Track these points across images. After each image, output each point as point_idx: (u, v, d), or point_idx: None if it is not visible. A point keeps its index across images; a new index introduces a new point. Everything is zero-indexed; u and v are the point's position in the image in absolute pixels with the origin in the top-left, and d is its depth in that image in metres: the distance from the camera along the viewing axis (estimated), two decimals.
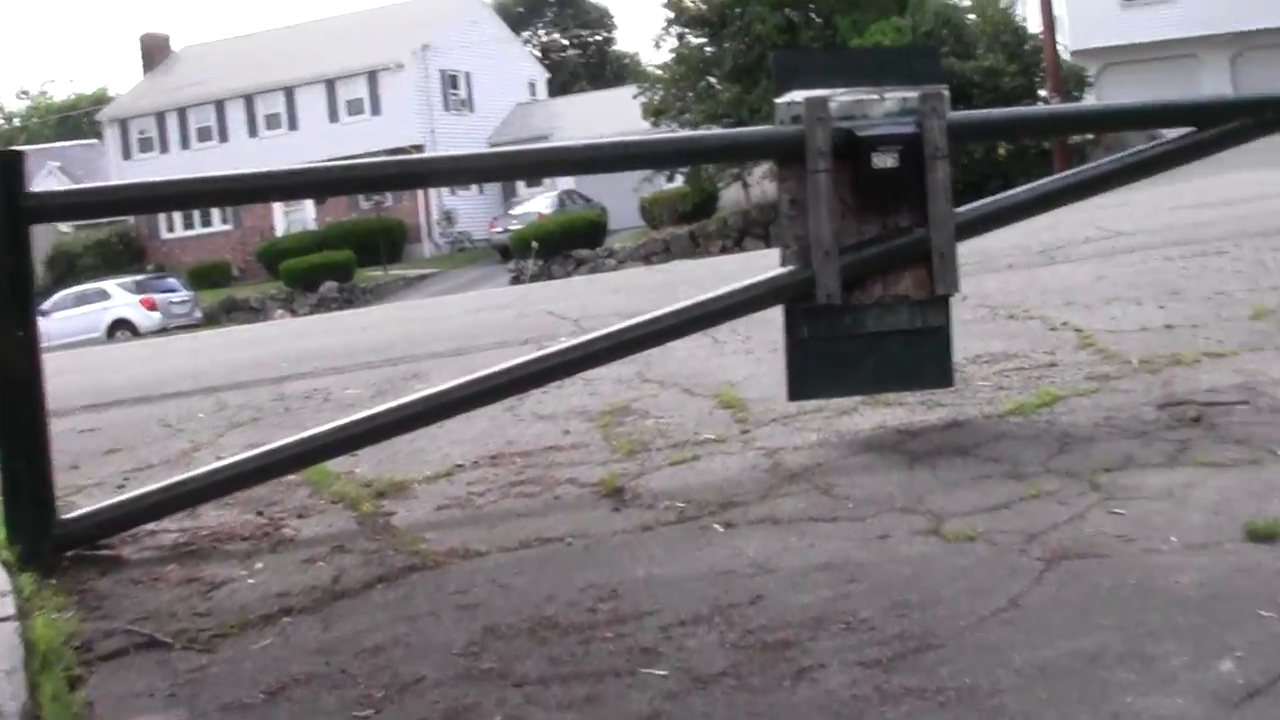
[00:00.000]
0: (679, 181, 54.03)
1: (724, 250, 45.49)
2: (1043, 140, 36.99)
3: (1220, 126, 8.23)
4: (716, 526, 6.66)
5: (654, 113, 52.05)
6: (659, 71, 53.89)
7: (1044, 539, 5.97)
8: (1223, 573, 5.41)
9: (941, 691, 4.67)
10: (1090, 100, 45.24)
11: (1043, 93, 43.40)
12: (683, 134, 10.04)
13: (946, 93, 7.76)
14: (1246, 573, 5.39)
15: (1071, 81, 44.49)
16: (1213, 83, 46.14)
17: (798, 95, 7.65)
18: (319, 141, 66.12)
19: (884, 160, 7.57)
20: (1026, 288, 11.75)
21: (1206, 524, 5.96)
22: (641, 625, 5.53)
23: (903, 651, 5.01)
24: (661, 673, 5.06)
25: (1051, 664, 4.79)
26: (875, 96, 7.71)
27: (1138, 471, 6.76)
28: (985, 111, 9.49)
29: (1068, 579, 5.53)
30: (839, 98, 7.65)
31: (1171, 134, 8.44)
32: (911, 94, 7.69)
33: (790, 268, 7.71)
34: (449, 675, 5.25)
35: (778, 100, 7.78)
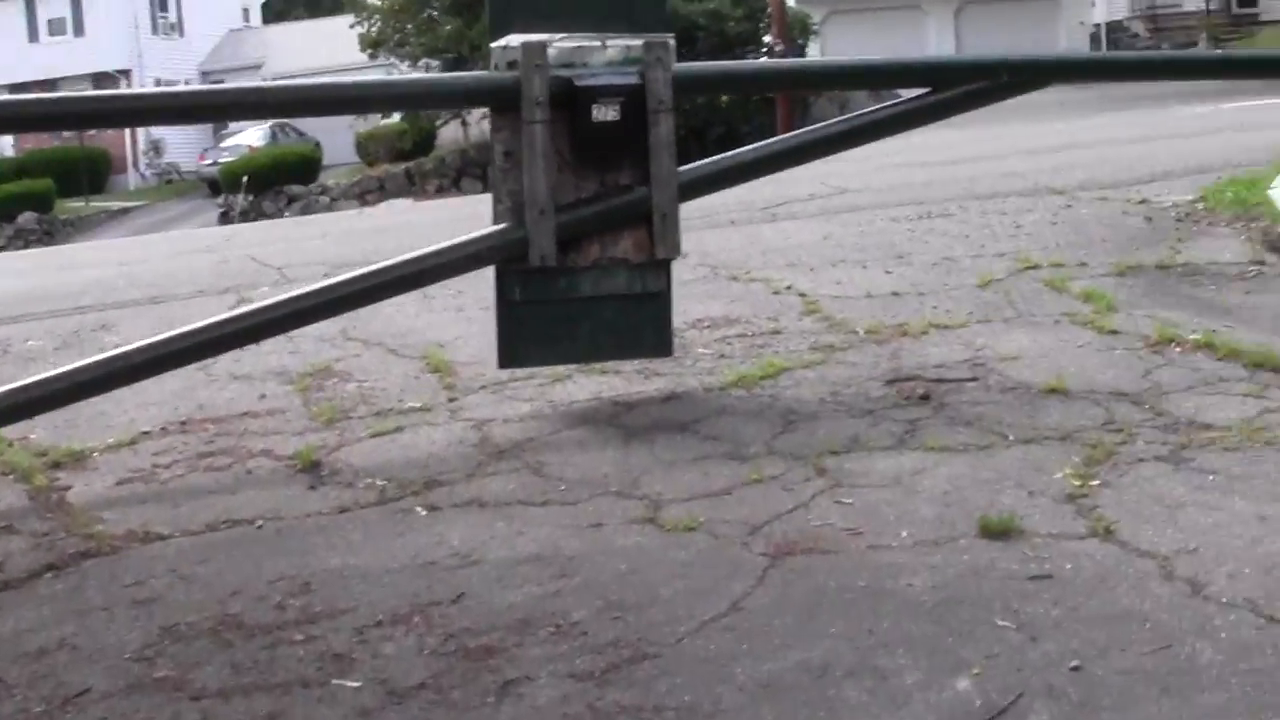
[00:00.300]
0: (398, 117, 53.01)
1: (440, 190, 44.81)
2: (768, 96, 36.92)
3: (956, 89, 7.95)
4: (419, 509, 6.17)
5: (372, 45, 50.90)
6: (378, 1, 52.75)
7: (768, 531, 5.61)
8: (956, 574, 5.10)
9: (659, 711, 4.30)
10: (815, 48, 45.51)
11: (767, 38, 43.37)
12: (388, 79, 9.57)
13: (672, 42, 7.32)
14: (981, 575, 5.08)
15: (796, 28, 44.60)
16: (938, 34, 46.75)
17: (514, 39, 7.15)
18: (17, 62, 63.35)
19: (605, 112, 7.12)
20: (749, 246, 11.41)
21: (938, 517, 5.65)
22: (335, 626, 5.04)
23: (617, 661, 4.60)
24: (355, 684, 4.60)
25: (777, 679, 4.43)
26: (597, 43, 7.24)
27: (865, 455, 6.44)
28: (714, 64, 9.14)
29: (793, 578, 5.16)
30: (558, 43, 7.17)
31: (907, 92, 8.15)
32: (635, 42, 7.24)
33: (502, 225, 7.22)
34: (119, 686, 4.71)
35: (493, 44, 7.28)
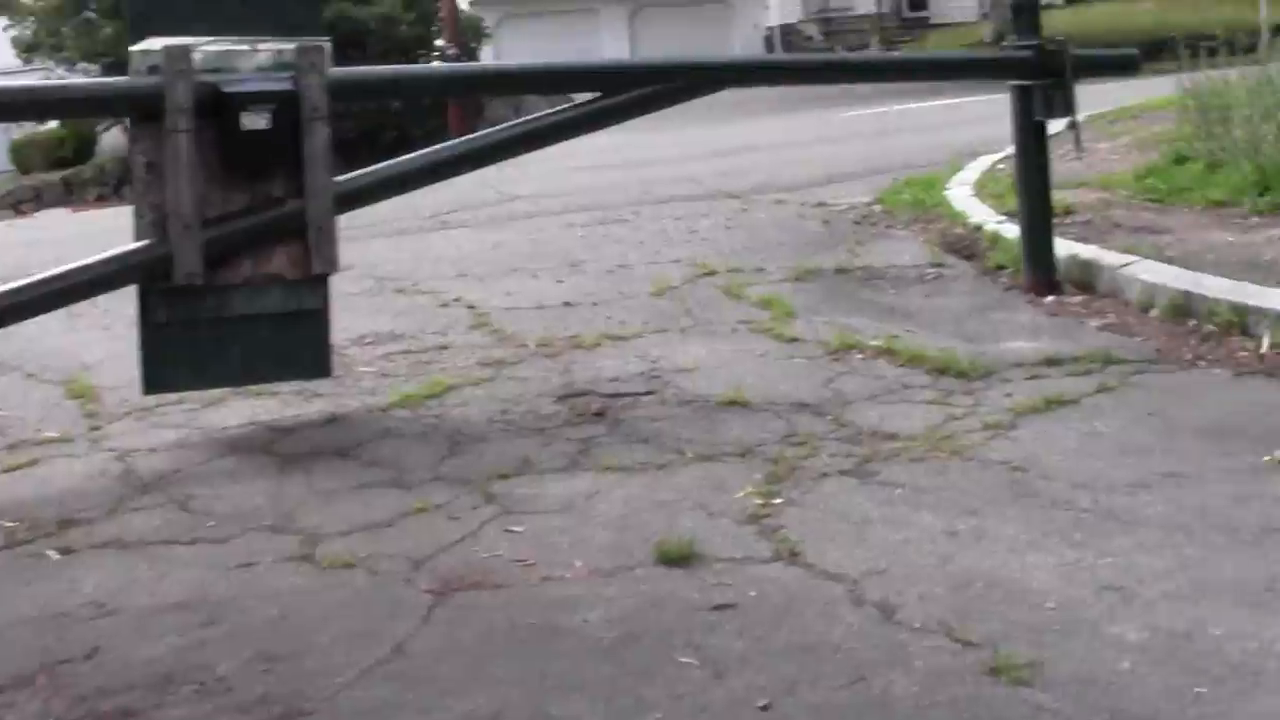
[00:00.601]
0: (56, 122, 51.11)
1: (100, 199, 43.30)
2: (439, 99, 36.45)
3: (630, 92, 7.65)
4: (51, 552, 5.61)
5: (27, 49, 49.07)
6: (31, 2, 50.77)
7: (433, 565, 5.21)
8: (635, 606, 4.76)
9: None
10: (488, 52, 45.17)
11: (440, 42, 42.87)
12: (11, 86, 8.85)
13: (328, 46, 6.89)
14: (660, 606, 4.75)
15: (469, 32, 44.18)
16: (612, 38, 46.74)
17: (156, 43, 6.65)
18: None
19: (255, 121, 6.66)
20: (418, 256, 11.03)
21: (614, 544, 5.31)
22: None
23: None
24: None
25: None
26: (246, 48, 6.78)
27: (536, 479, 6.07)
28: (373, 69, 8.66)
29: (460, 617, 4.78)
30: (204, 48, 6.69)
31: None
32: (288, 46, 6.81)
33: (145, 242, 6.70)
34: None
35: (133, 48, 6.76)
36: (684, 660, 4.35)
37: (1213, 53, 12.69)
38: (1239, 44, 12.85)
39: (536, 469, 6.18)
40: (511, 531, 5.48)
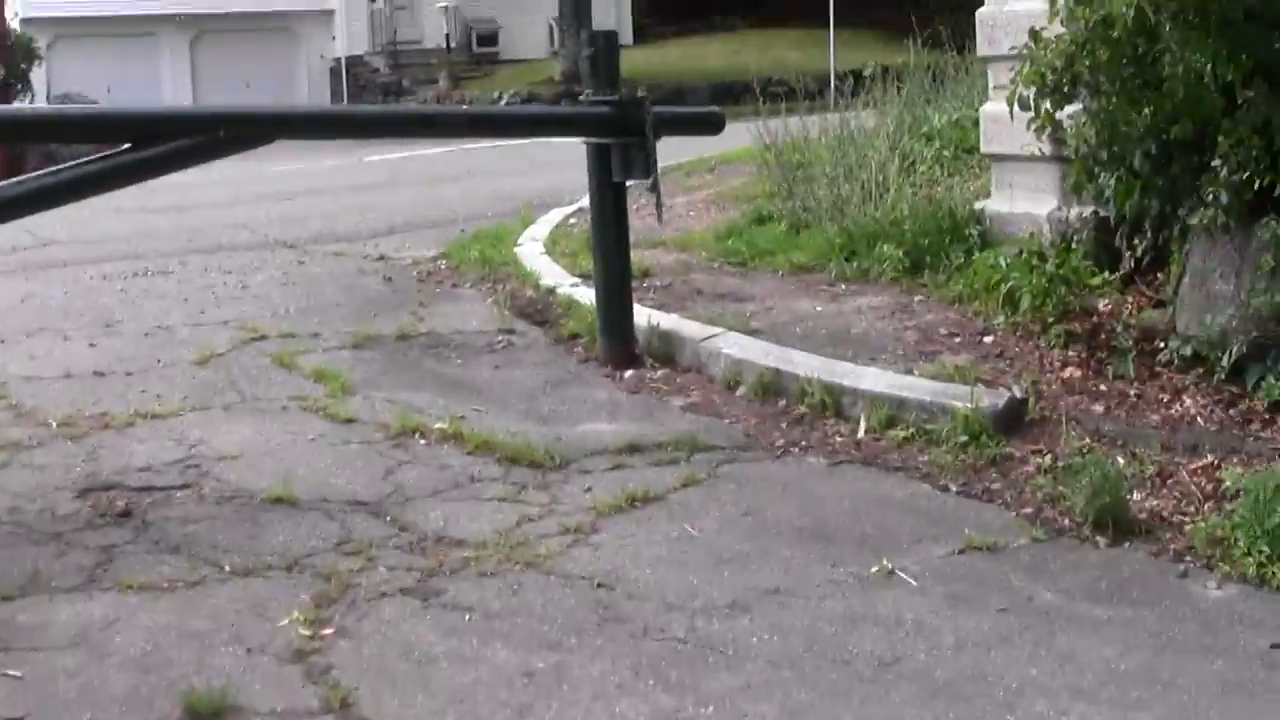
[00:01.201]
0: None
1: None
2: None
3: (164, 145, 6.69)
4: None
5: None
6: None
7: None
8: None
9: None
10: (40, 74, 43.00)
11: None
12: None
13: None
14: None
15: (20, 53, 41.91)
16: (173, 63, 45.00)
17: None
18: None
19: None
20: None
21: (133, 692, 4.46)
22: None
23: None
24: None
25: None
26: None
27: (46, 600, 5.14)
28: None
29: None
30: None
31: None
32: None
33: None
34: None
35: None
36: None
37: (788, 98, 12.45)
38: (812, 90, 12.63)
39: (47, 587, 5.24)
40: (9, 676, 4.56)
